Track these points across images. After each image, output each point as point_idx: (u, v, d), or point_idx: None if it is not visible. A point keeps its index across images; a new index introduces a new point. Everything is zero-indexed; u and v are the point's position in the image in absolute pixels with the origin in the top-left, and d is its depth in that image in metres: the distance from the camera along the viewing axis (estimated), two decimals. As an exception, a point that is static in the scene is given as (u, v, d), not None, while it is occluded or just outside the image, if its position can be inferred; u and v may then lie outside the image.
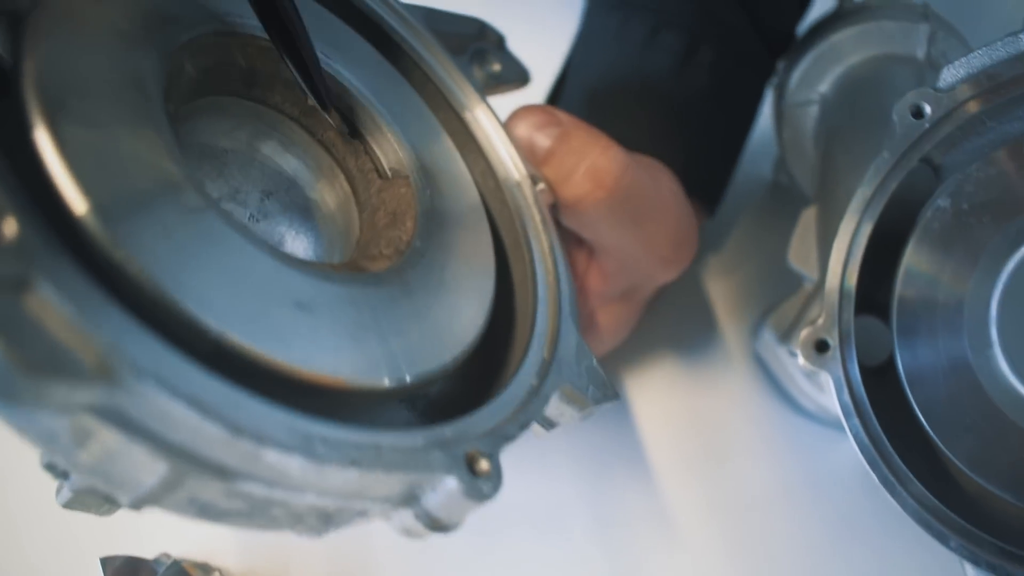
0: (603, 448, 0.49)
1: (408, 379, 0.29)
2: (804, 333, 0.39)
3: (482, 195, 0.39)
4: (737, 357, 0.54)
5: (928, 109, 0.37)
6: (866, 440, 0.38)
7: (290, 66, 0.32)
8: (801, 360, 0.39)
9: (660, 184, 0.43)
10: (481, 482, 0.27)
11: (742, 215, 0.61)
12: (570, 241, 0.43)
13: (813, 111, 0.55)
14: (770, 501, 0.48)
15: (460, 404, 0.31)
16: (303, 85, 0.33)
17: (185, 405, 0.21)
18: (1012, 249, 0.36)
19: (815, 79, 0.55)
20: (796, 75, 0.55)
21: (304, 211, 0.36)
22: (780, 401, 0.52)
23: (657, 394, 0.52)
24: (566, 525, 0.46)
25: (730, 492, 0.48)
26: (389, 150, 0.36)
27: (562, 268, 0.38)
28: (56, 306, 0.19)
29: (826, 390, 0.44)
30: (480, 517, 0.30)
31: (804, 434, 0.51)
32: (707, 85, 0.47)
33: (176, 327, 0.23)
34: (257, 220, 0.36)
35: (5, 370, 0.18)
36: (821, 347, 0.38)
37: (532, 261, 0.37)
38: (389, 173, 0.36)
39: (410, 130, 0.37)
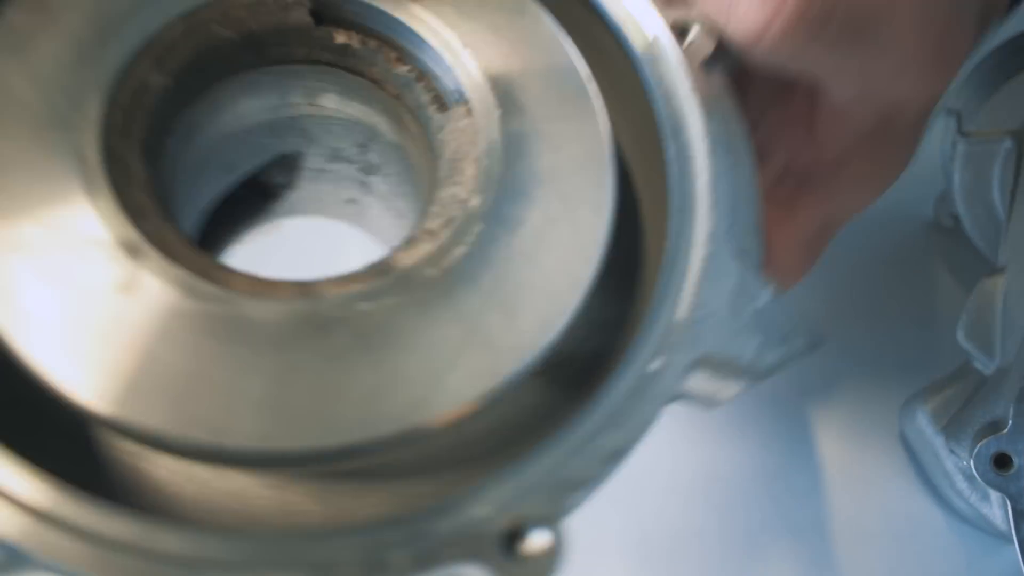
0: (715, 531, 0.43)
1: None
2: (982, 443, 0.31)
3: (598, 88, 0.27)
4: (880, 436, 0.46)
5: None
6: None
7: None
8: (973, 471, 0.31)
9: None
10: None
11: (894, 261, 0.52)
12: (765, 93, 0.33)
13: (1003, 152, 0.46)
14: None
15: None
16: None
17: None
18: None
19: (1009, 113, 0.47)
20: (986, 105, 0.46)
21: (400, 159, 0.31)
22: (928, 495, 0.45)
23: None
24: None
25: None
26: (441, 65, 0.27)
27: (723, 161, 0.26)
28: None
29: (994, 505, 0.36)
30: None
31: (954, 536, 0.44)
32: None
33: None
34: (368, 173, 0.32)
35: None
36: (1002, 463, 0.32)
37: (666, 170, 0.26)
38: (447, 99, 0.27)
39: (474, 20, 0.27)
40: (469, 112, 0.26)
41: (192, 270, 0.23)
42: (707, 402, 0.24)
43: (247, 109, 0.30)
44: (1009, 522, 0.33)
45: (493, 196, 0.25)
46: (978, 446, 0.32)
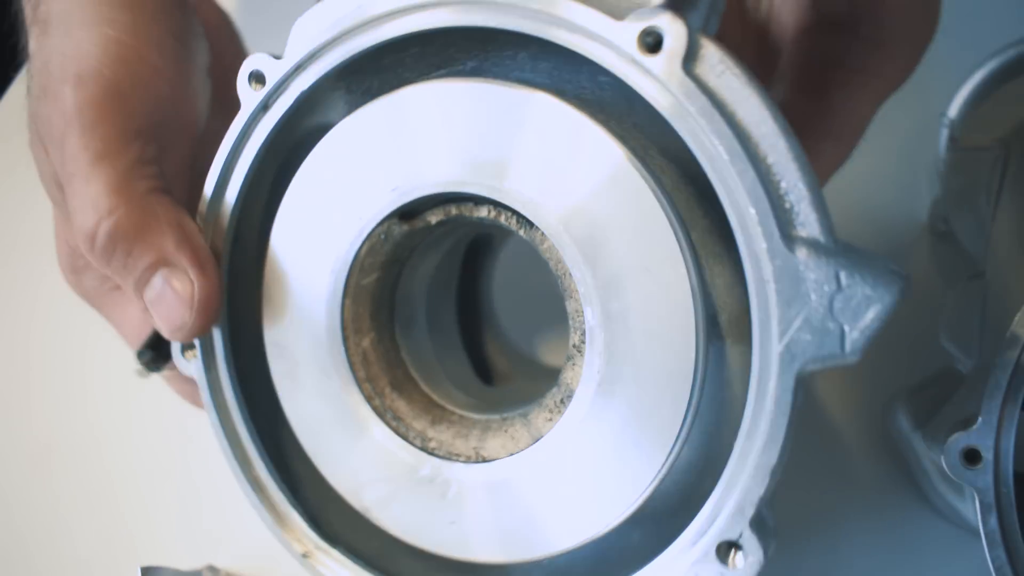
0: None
1: None
2: (953, 437, 0.32)
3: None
4: (865, 436, 0.47)
5: None
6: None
7: None
8: (944, 465, 0.32)
9: None
10: None
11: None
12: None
13: (990, 160, 0.46)
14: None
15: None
16: None
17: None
18: None
19: (998, 121, 0.47)
20: (976, 114, 0.47)
21: None
22: (910, 492, 0.45)
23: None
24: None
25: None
26: None
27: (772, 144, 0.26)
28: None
29: (968, 501, 0.37)
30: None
31: (933, 532, 0.44)
32: None
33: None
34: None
35: None
36: (971, 457, 0.33)
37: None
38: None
39: None
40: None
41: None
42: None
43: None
44: (977, 516, 0.33)
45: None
46: (948, 441, 0.32)
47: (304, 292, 0.33)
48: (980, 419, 0.33)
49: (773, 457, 0.26)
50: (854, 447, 0.46)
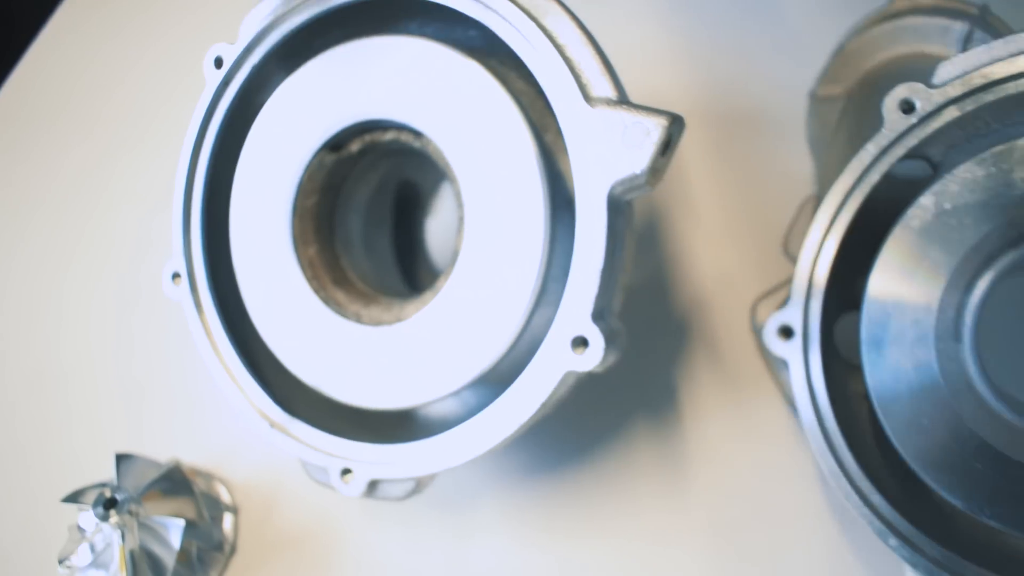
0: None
1: None
2: (770, 317, 0.39)
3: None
4: (738, 338, 0.52)
5: (918, 104, 0.36)
6: (818, 432, 0.38)
7: None
8: (765, 342, 0.39)
9: None
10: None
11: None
12: None
13: (838, 107, 0.52)
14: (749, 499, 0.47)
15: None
16: None
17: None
18: (991, 256, 0.36)
19: (845, 75, 0.52)
20: (831, 66, 0.54)
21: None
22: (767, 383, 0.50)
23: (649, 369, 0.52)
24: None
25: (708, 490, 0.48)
26: None
27: None
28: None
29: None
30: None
31: (775, 413, 0.48)
32: None
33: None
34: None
35: None
36: (786, 333, 0.39)
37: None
38: None
39: None
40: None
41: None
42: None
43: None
44: (791, 384, 0.40)
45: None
46: (767, 320, 0.37)
47: (263, 216, 0.43)
48: (790, 299, 0.40)
49: (599, 261, 0.36)
50: (726, 345, 0.51)
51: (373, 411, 0.41)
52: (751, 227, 0.52)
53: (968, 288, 0.36)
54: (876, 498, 0.37)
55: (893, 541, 0.37)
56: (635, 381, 0.50)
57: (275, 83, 0.44)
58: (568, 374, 0.37)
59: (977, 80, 0.35)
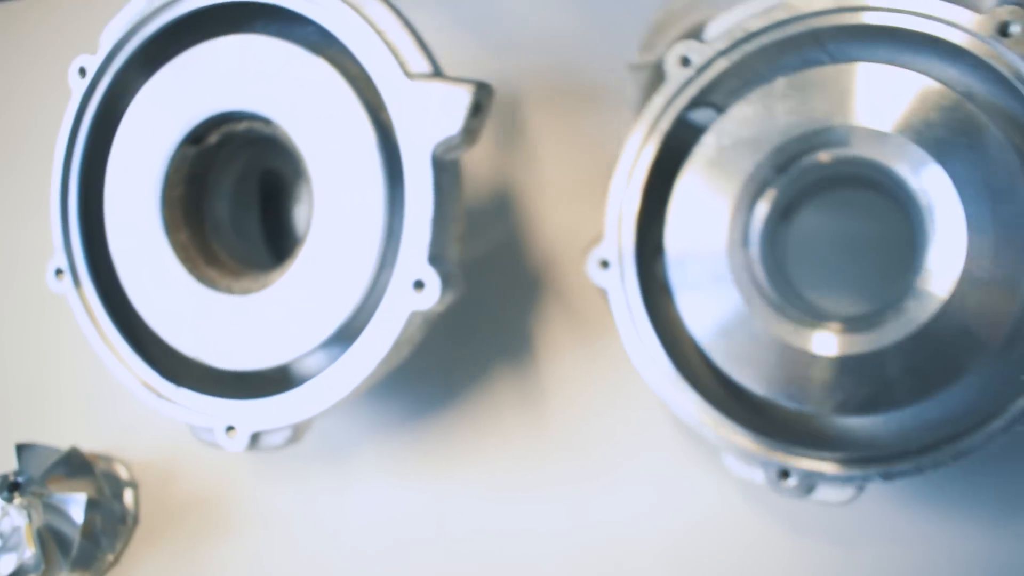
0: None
1: None
2: (590, 253, 0.45)
3: None
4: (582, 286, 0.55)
5: (693, 58, 0.43)
6: (638, 347, 0.44)
7: None
8: (588, 275, 0.45)
9: None
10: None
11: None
12: None
13: (648, 75, 0.55)
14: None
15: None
16: None
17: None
18: (766, 180, 0.42)
19: (656, 43, 0.55)
20: (644, 40, 0.57)
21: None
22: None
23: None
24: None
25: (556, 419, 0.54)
26: None
27: None
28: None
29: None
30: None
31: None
32: None
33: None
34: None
35: None
36: (603, 264, 0.45)
37: None
38: None
39: None
40: None
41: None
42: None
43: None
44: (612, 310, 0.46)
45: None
46: (587, 256, 0.44)
47: (135, 208, 0.47)
48: (604, 235, 0.46)
49: (429, 212, 0.41)
50: (573, 293, 0.56)
51: (250, 372, 0.46)
52: (589, 188, 0.58)
53: (751, 208, 0.43)
54: (692, 396, 0.43)
55: (709, 432, 0.43)
56: (495, 331, 0.56)
57: (137, 87, 0.48)
58: (413, 314, 0.42)
59: (739, 34, 0.42)
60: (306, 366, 0.47)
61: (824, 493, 0.42)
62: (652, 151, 0.44)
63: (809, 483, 0.42)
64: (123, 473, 0.54)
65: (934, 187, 0.39)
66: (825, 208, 0.48)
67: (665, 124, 0.44)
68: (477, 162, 0.59)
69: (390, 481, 0.52)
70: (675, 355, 0.45)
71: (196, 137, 0.47)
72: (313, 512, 0.52)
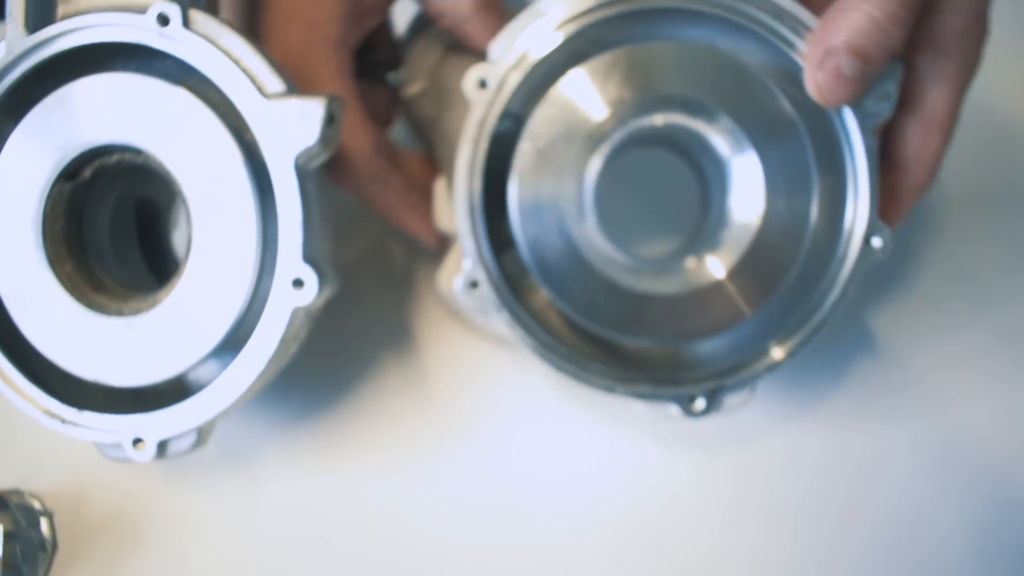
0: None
1: None
2: (455, 284, 0.49)
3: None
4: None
5: (489, 80, 0.49)
6: (517, 326, 0.50)
7: None
8: (461, 301, 0.50)
9: None
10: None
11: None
12: None
13: (428, 99, 0.60)
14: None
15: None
16: None
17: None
18: (585, 161, 0.49)
19: (420, 68, 0.60)
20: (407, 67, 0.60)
21: None
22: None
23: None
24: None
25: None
26: None
27: None
28: None
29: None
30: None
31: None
32: None
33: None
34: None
35: None
36: (474, 285, 0.50)
37: None
38: None
39: None
40: None
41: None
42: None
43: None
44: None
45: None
46: (454, 284, 0.49)
47: (19, 246, 0.50)
48: (466, 260, 0.50)
49: (299, 216, 0.46)
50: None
51: (149, 387, 0.49)
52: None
53: (580, 183, 0.49)
54: (547, 340, 0.50)
55: (569, 368, 0.50)
56: (377, 324, 0.60)
57: (6, 133, 0.51)
58: (295, 311, 0.46)
59: (520, 48, 0.49)
60: (203, 374, 0.50)
61: (729, 402, 0.51)
62: (480, 169, 0.49)
63: (717, 399, 0.50)
64: (36, 504, 0.56)
65: (730, 140, 0.48)
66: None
67: (484, 144, 0.49)
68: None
69: (295, 473, 0.56)
70: (547, 329, 0.51)
71: (70, 173, 0.50)
72: (225, 514, 0.55)
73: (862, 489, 0.55)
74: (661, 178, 0.57)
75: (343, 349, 0.59)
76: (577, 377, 0.50)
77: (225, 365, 0.49)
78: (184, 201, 0.48)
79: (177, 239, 0.61)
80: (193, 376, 0.51)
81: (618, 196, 0.54)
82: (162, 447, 0.49)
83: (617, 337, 0.50)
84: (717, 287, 0.49)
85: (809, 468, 0.56)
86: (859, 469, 0.56)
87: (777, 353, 0.50)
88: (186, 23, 0.47)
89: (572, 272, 0.49)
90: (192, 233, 0.48)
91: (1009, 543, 0.54)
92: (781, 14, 0.47)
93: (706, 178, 0.53)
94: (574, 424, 0.57)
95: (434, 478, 0.56)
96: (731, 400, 0.50)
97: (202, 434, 0.50)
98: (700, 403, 0.50)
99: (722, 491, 0.56)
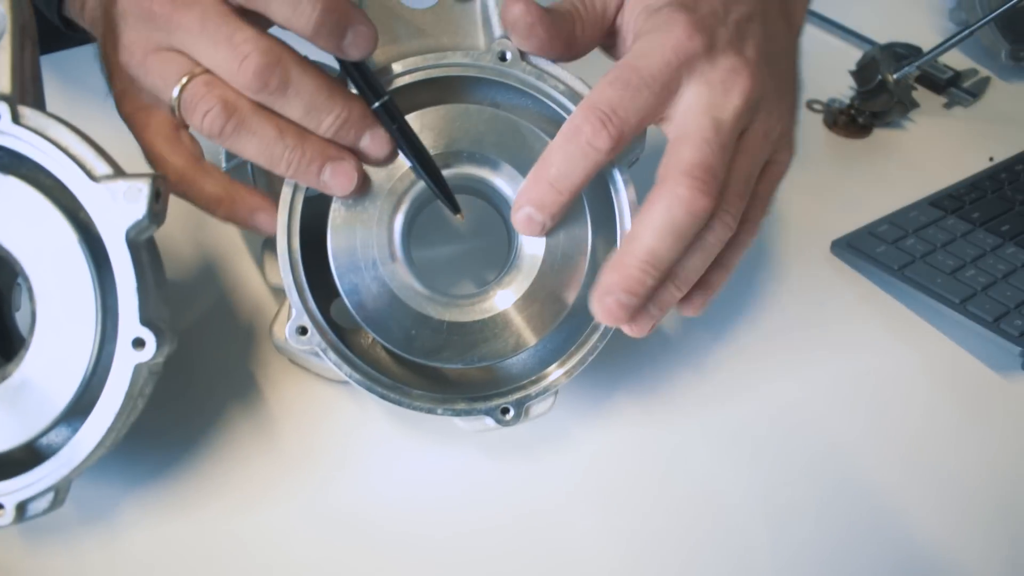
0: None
1: None
2: (286, 331, 0.56)
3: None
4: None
5: None
6: (343, 364, 0.57)
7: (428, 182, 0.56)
8: (293, 346, 0.57)
9: None
10: None
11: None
12: None
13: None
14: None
15: None
16: (438, 194, 0.56)
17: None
18: (390, 214, 0.56)
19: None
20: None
21: None
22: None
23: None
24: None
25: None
26: None
27: None
28: None
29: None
30: None
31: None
32: None
33: None
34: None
35: None
36: (302, 331, 0.57)
37: None
38: None
39: None
40: None
41: None
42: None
43: None
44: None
45: None
46: (285, 334, 0.56)
47: None
48: (293, 309, 0.58)
49: (133, 283, 0.51)
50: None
51: (2, 455, 0.53)
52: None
53: (389, 232, 0.56)
54: (372, 374, 0.57)
55: (393, 396, 0.57)
56: (223, 377, 0.66)
57: None
58: (138, 367, 0.51)
59: None
60: (56, 438, 0.54)
61: (535, 409, 0.59)
62: (296, 229, 0.56)
63: (523, 408, 0.59)
64: None
65: (513, 183, 0.56)
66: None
67: (299, 206, 0.56)
68: (180, 245, 0.69)
69: (154, 524, 0.60)
70: (375, 364, 0.58)
71: (-90, 265, 0.54)
72: (88, 572, 0.58)
73: (663, 472, 0.64)
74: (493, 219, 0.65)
75: (193, 403, 0.64)
76: (401, 403, 0.57)
77: (77, 428, 0.53)
78: (26, 279, 0.53)
79: (20, 319, 0.64)
80: (46, 441, 0.54)
81: (448, 238, 0.62)
82: (20, 509, 0.53)
83: (434, 363, 0.57)
84: (505, 316, 0.57)
85: (616, 460, 0.64)
86: (659, 455, 0.65)
87: (571, 362, 0.58)
88: (15, 119, 0.52)
89: (387, 310, 0.56)
90: (35, 308, 0.52)
91: (789, 503, 0.63)
92: (545, 78, 0.56)
93: (504, 218, 0.62)
94: (409, 445, 0.64)
95: (288, 513, 0.61)
96: (536, 408, 0.58)
97: (59, 493, 0.53)
98: (510, 414, 0.58)
99: (545, 488, 0.63)
